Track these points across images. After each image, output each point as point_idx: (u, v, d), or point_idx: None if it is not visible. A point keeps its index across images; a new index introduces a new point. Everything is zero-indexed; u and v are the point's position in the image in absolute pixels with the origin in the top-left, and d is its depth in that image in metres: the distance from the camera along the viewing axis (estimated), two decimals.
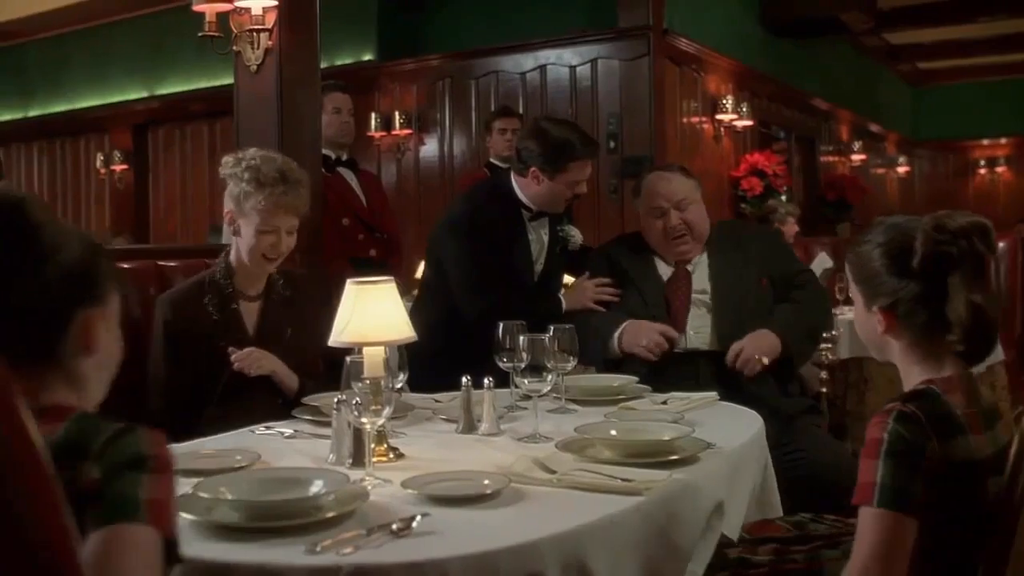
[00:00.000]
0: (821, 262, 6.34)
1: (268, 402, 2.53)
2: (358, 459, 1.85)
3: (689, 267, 3.15)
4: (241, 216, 2.60)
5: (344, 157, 4.69)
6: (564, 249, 3.31)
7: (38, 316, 1.25)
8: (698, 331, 3.03)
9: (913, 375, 1.65)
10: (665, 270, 3.16)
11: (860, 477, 1.54)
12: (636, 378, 2.71)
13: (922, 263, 1.58)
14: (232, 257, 2.67)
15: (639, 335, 2.95)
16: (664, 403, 2.48)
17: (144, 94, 8.94)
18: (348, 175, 4.67)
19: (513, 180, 3.27)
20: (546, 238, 3.32)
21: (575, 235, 3.31)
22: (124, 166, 8.94)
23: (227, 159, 2.65)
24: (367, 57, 7.70)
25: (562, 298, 3.19)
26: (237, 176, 2.58)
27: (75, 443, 1.16)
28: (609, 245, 3.39)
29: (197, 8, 4.05)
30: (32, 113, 9.74)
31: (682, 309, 3.07)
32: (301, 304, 2.72)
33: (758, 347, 2.87)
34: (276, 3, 3.91)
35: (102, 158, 9.10)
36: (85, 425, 1.20)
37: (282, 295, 2.71)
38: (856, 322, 1.76)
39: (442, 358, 2.72)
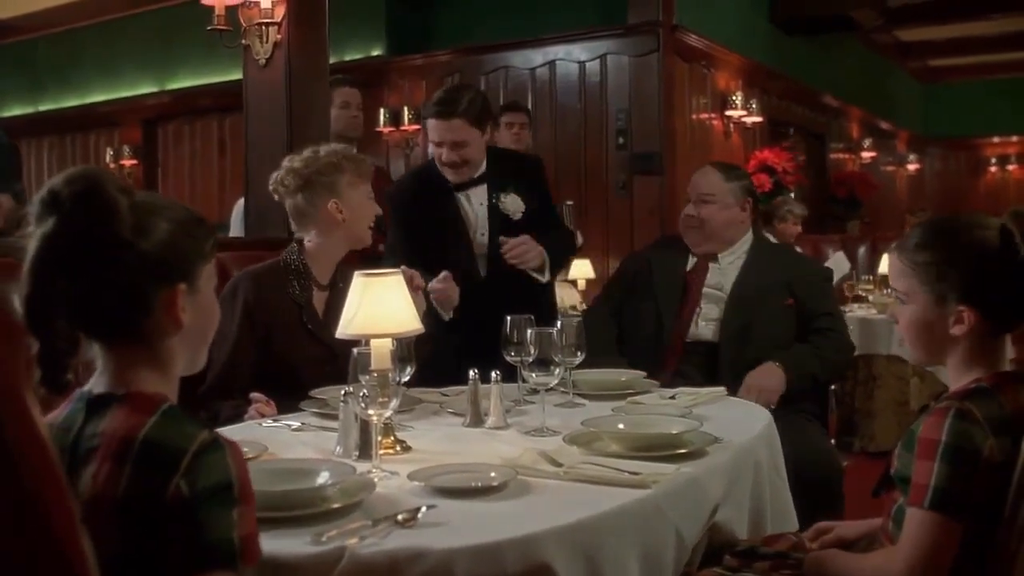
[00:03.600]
0: (839, 265, 6.26)
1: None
2: (365, 451, 1.85)
3: (715, 263, 3.19)
4: (345, 202, 2.65)
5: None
6: (506, 219, 3.26)
7: (120, 296, 1.25)
8: (707, 321, 3.09)
9: (971, 374, 1.63)
10: (690, 262, 3.24)
11: (915, 478, 1.54)
12: (644, 373, 2.71)
13: None
14: (308, 246, 2.70)
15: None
16: (672, 398, 2.47)
17: (154, 89, 8.96)
18: None
19: None
20: (483, 208, 3.28)
21: (508, 204, 3.28)
22: (134, 161, 8.96)
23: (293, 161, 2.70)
24: (376, 52, 7.70)
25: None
26: (330, 168, 2.65)
27: (162, 449, 1.18)
28: (650, 245, 3.54)
29: (206, 1, 4.06)
30: (43, 108, 9.76)
31: (692, 300, 3.13)
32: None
33: (766, 389, 2.85)
34: None
35: (112, 153, 9.12)
36: (170, 425, 1.22)
37: (340, 286, 2.71)
38: (914, 325, 1.69)
39: None
